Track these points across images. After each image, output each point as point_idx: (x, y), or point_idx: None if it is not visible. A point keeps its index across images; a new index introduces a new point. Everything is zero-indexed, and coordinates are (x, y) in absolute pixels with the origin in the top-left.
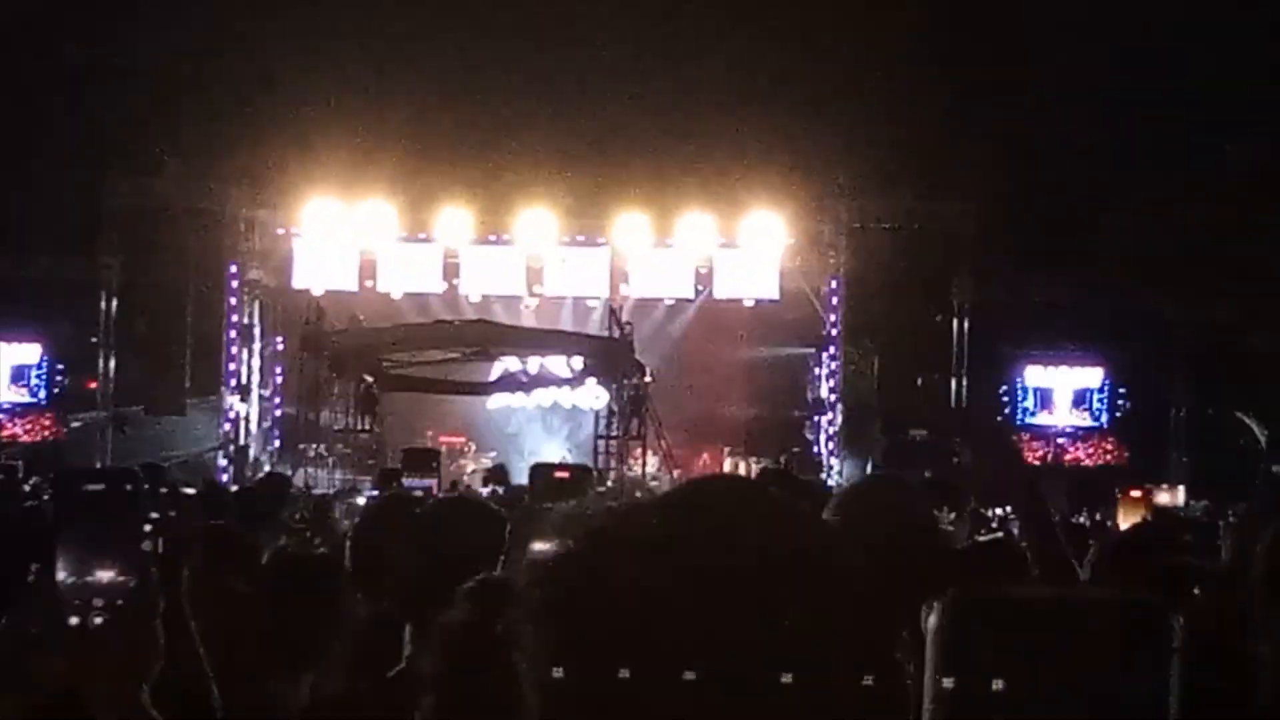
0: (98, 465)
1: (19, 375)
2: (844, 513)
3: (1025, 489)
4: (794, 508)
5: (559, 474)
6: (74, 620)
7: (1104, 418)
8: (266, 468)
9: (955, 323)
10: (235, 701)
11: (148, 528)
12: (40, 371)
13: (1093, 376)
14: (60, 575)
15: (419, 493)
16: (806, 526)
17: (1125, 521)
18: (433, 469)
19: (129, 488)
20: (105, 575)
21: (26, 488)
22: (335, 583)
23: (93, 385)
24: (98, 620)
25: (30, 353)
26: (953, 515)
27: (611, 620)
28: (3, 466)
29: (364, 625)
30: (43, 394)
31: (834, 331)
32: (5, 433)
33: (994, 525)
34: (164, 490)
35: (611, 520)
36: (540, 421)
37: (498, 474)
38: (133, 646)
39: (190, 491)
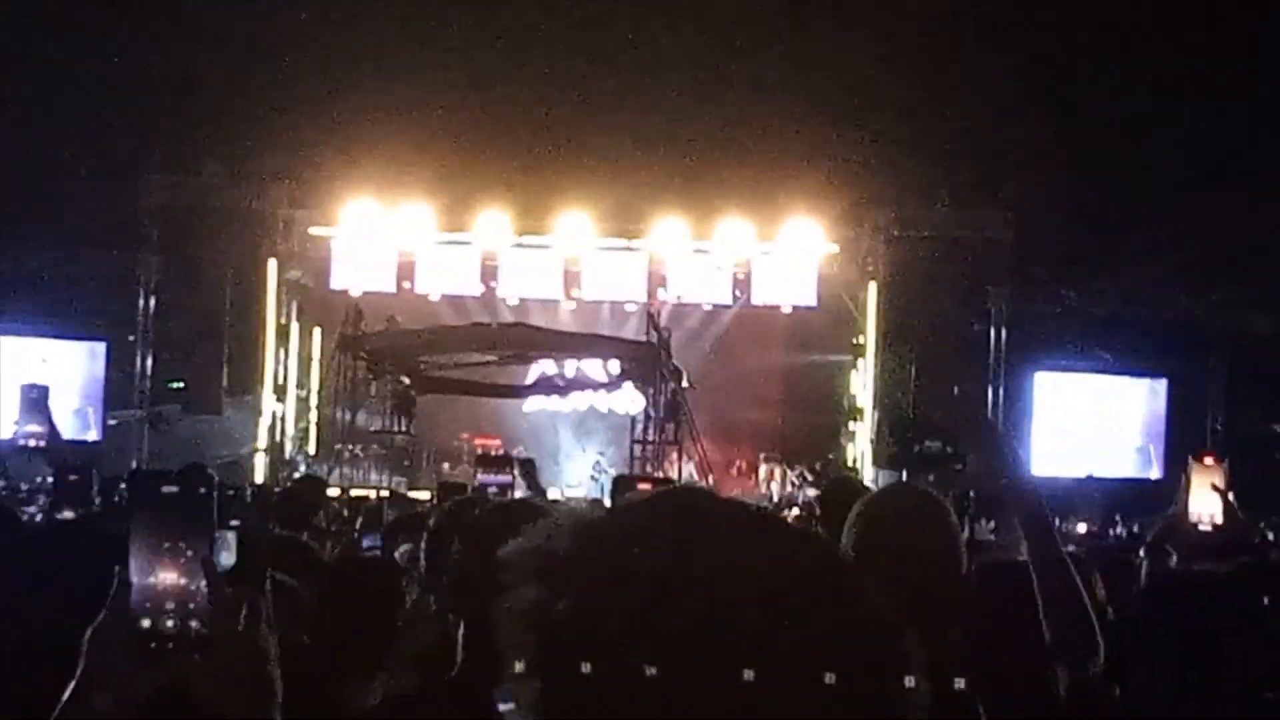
0: (170, 467)
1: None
2: (863, 525)
3: (1021, 493)
4: (788, 526)
5: (642, 486)
6: (145, 623)
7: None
8: (302, 469)
9: (992, 332)
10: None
11: (230, 535)
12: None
13: (1130, 388)
14: (133, 577)
15: (494, 490)
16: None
17: (1198, 494)
18: (507, 469)
19: (203, 490)
20: (176, 578)
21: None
22: (398, 584)
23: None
24: (169, 624)
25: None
26: (992, 525)
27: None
28: (74, 469)
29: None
30: None
31: (871, 339)
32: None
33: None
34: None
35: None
36: (576, 425)
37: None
38: (220, 652)
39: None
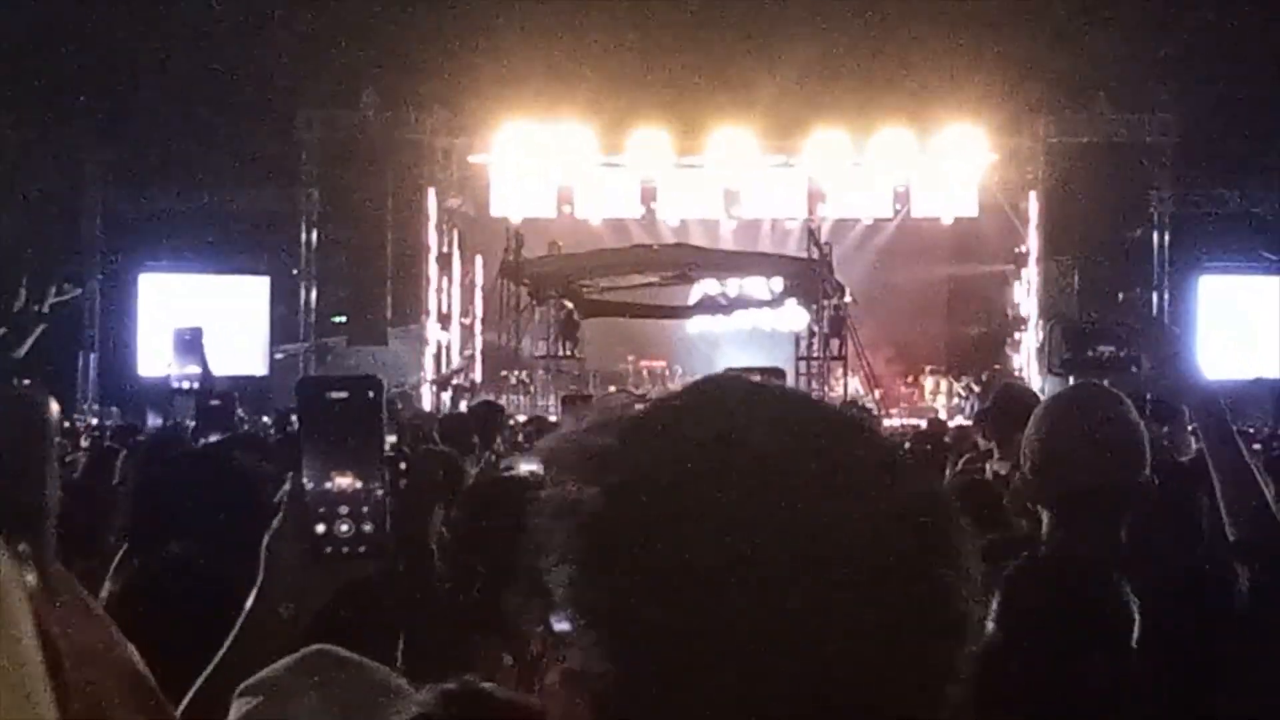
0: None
1: None
2: (1049, 423)
3: (1200, 397)
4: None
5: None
6: (320, 528)
7: None
8: (469, 396)
9: (1155, 236)
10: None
11: (389, 449)
12: None
13: None
14: (305, 482)
15: None
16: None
17: None
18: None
19: (371, 394)
20: (348, 482)
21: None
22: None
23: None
24: (343, 528)
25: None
26: (1165, 430)
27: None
28: (216, 395)
29: None
30: None
31: (1034, 247)
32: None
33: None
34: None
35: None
36: (740, 344)
37: None
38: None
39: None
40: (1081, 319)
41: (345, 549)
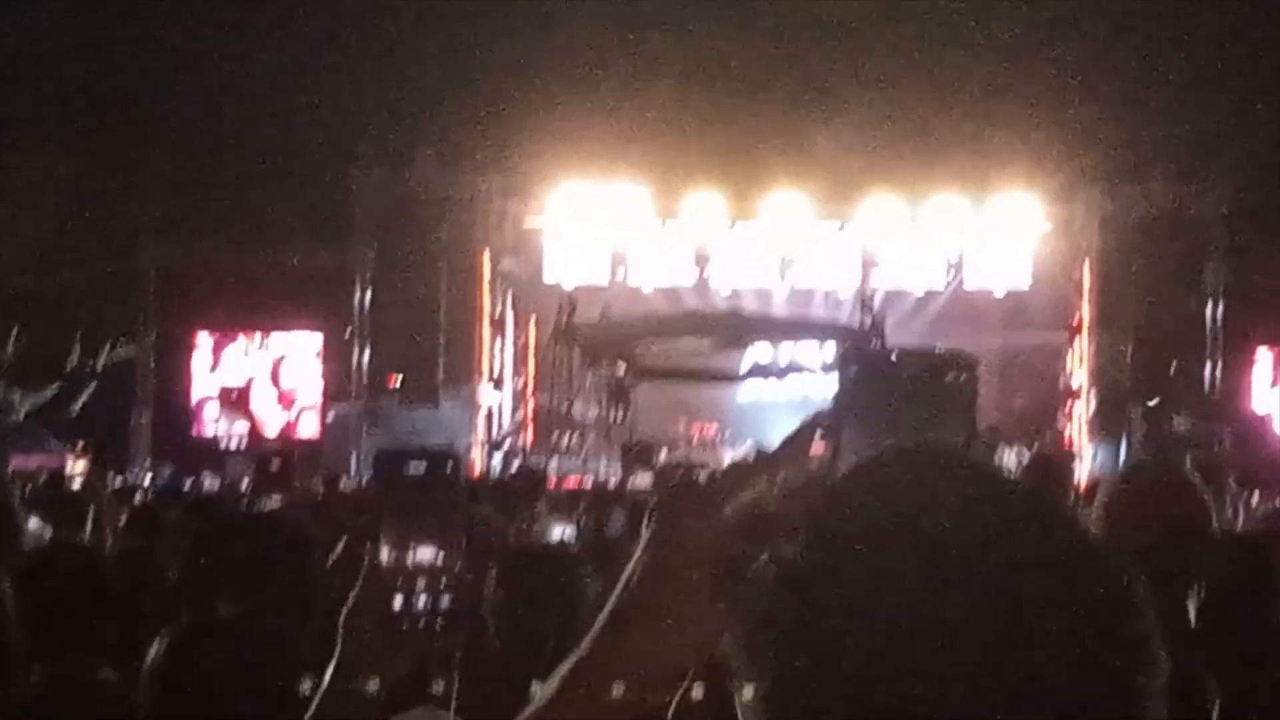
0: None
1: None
2: (1113, 500)
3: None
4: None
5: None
6: (398, 602)
7: None
8: (519, 459)
9: (1210, 308)
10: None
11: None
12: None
13: None
14: (383, 555)
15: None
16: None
17: None
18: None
19: (450, 467)
20: (427, 555)
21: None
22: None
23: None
24: (421, 602)
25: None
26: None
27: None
28: (277, 455)
29: None
30: None
31: (1087, 318)
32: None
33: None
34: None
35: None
36: (792, 411)
37: None
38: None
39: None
40: (1160, 397)
41: (424, 622)
